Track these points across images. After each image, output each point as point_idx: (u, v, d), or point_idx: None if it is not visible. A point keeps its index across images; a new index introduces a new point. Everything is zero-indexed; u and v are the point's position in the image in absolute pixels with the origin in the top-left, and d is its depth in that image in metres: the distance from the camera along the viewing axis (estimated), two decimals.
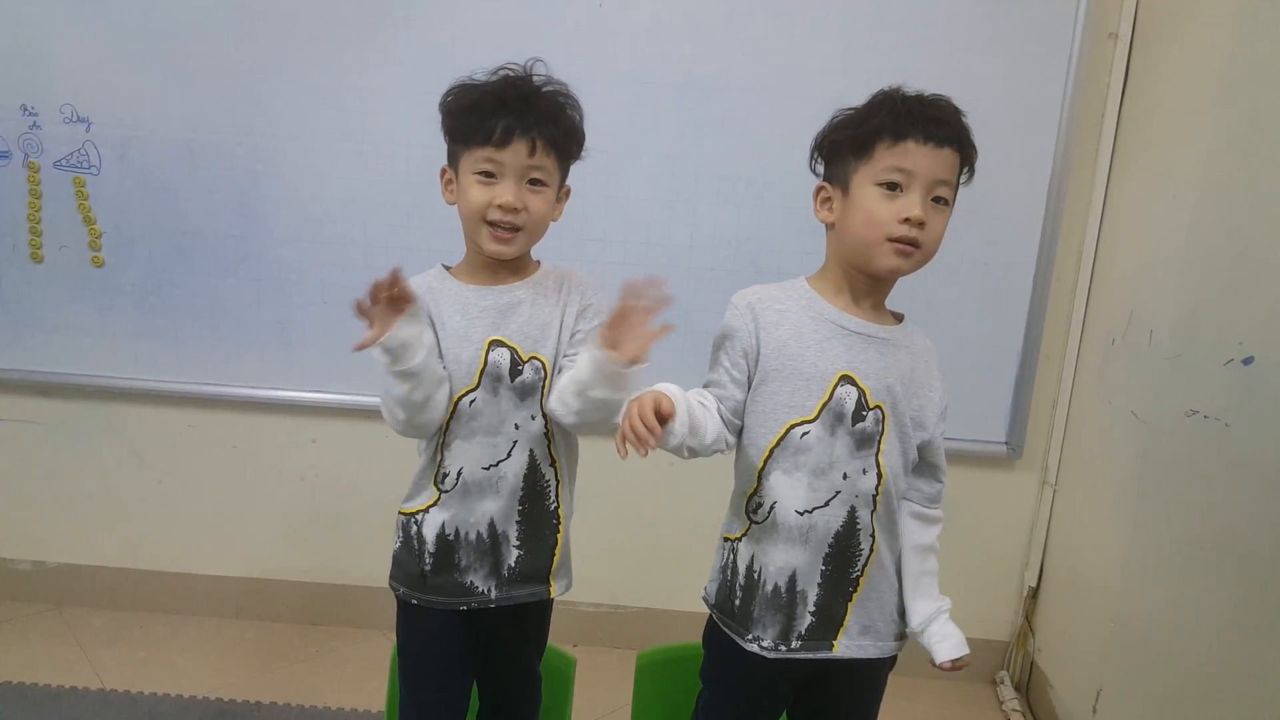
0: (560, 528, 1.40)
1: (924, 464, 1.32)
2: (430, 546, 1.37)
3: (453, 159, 1.34)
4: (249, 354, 2.26)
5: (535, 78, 1.33)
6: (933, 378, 1.30)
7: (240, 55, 2.10)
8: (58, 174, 2.17)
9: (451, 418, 1.34)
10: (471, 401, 1.33)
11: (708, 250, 2.14)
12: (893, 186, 1.19)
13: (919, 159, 1.18)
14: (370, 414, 2.19)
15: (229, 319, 2.24)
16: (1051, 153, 2.06)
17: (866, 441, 1.24)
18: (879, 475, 1.25)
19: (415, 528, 1.38)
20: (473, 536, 1.36)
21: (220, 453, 2.38)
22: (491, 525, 1.36)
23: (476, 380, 1.33)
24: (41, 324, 2.26)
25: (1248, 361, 1.55)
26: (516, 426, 1.34)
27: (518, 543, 1.38)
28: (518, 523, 1.37)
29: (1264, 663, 1.45)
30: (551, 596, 1.43)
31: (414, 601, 1.40)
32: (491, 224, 1.29)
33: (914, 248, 1.19)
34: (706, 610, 1.39)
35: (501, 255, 1.32)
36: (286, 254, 2.19)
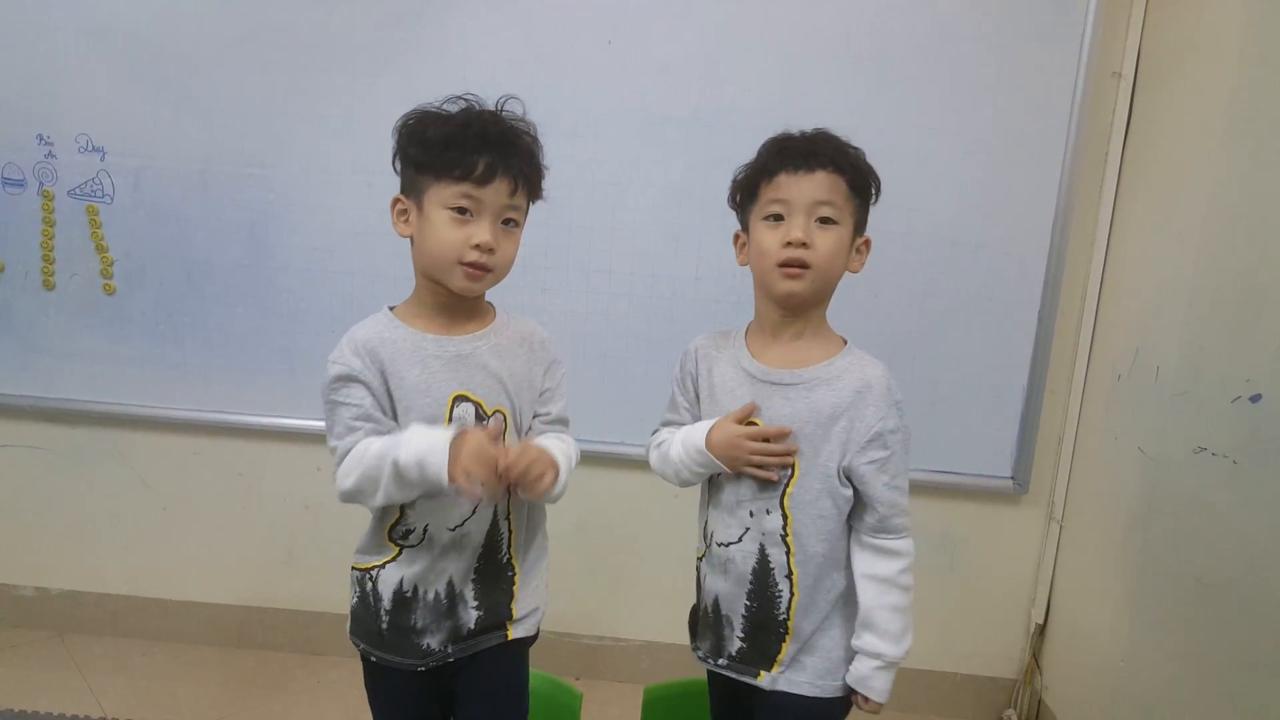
0: (515, 578, 1.37)
1: (856, 492, 1.32)
2: (386, 604, 1.32)
3: (413, 190, 1.27)
4: (256, 382, 2.27)
5: (506, 114, 1.29)
6: (862, 408, 1.28)
7: (252, 87, 2.13)
8: (71, 202, 2.20)
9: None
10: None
11: (712, 283, 2.15)
12: (777, 218, 1.28)
13: (792, 188, 1.27)
14: None
15: (237, 347, 2.26)
16: (1056, 189, 2.07)
17: (770, 484, 1.30)
18: (784, 516, 1.30)
19: (370, 584, 1.34)
20: (430, 596, 1.31)
21: (225, 480, 2.38)
22: (450, 585, 1.32)
23: None
24: (51, 350, 2.28)
25: (1255, 399, 1.55)
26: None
27: (475, 603, 1.33)
28: (474, 580, 1.33)
29: (1274, 702, 1.43)
30: (510, 637, 1.37)
31: (373, 659, 1.36)
32: (466, 264, 1.24)
33: (803, 268, 1.26)
34: None
35: (470, 293, 1.27)
36: (295, 284, 2.21)
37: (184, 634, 2.46)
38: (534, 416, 1.38)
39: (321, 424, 2.22)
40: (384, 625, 1.33)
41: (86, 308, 2.25)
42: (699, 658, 1.42)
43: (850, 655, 1.33)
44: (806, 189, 1.26)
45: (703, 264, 2.15)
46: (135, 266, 2.23)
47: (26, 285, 2.25)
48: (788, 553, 1.30)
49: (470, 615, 1.33)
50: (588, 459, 2.17)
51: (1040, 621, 2.31)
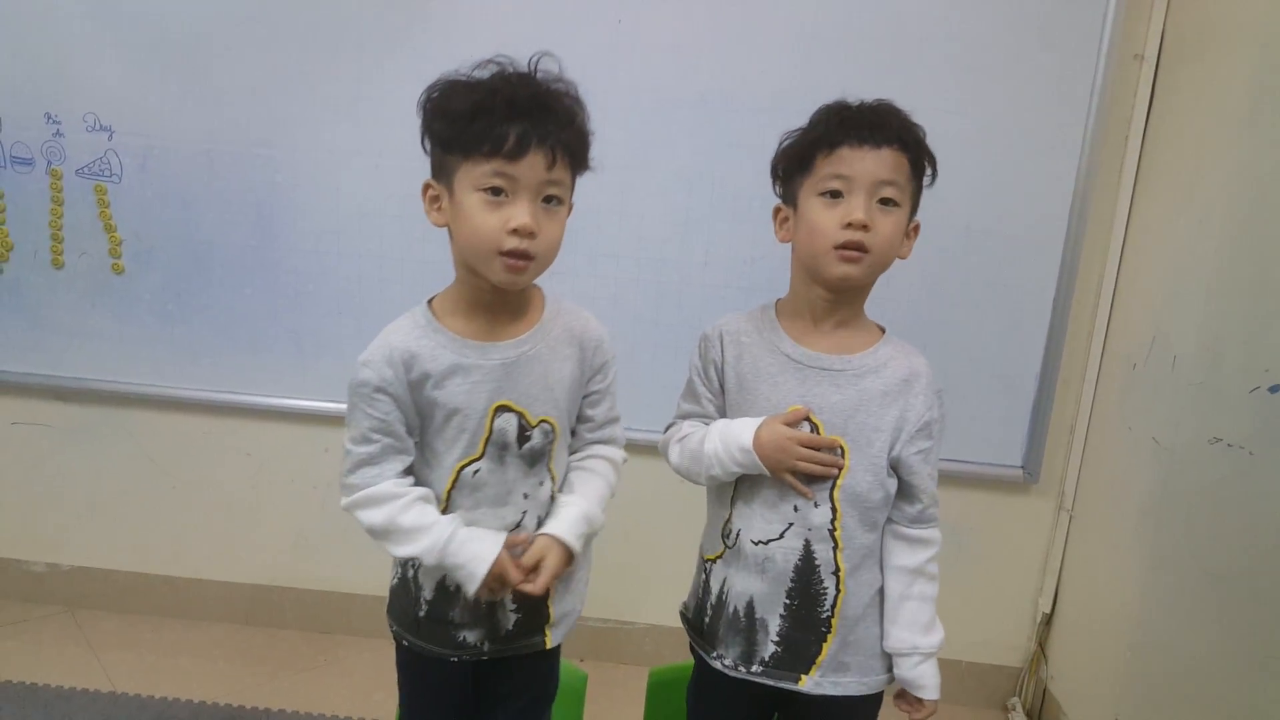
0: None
1: (900, 483, 1.28)
2: (427, 594, 1.28)
3: (443, 172, 1.15)
4: (264, 363, 2.27)
5: (541, 74, 1.15)
6: (910, 397, 1.25)
7: (259, 68, 2.11)
8: (80, 181, 2.19)
9: (453, 486, 1.22)
10: (475, 471, 1.21)
11: (721, 268, 2.13)
12: (835, 195, 1.19)
13: (856, 163, 1.18)
14: None
15: (245, 328, 2.25)
16: (1074, 174, 2.04)
17: (820, 475, 1.23)
18: (833, 509, 1.23)
19: (413, 571, 1.29)
20: (471, 599, 1.28)
21: (234, 460, 2.39)
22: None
23: (481, 449, 1.21)
24: (61, 329, 2.28)
25: (1274, 389, 1.52)
26: (525, 496, 1.25)
27: (514, 607, 1.29)
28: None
29: None
30: (548, 646, 1.32)
31: (405, 643, 1.32)
32: (506, 253, 1.11)
33: (861, 252, 1.18)
34: None
35: (514, 286, 1.17)
36: (303, 265, 2.20)
37: (193, 611, 2.47)
38: (579, 421, 1.31)
39: (329, 405, 2.27)
40: (421, 613, 1.29)
41: (95, 287, 2.25)
42: (722, 667, 1.31)
43: (883, 650, 1.29)
44: (871, 166, 1.17)
45: (712, 249, 2.13)
46: (144, 246, 2.22)
47: (36, 264, 2.25)
48: (835, 548, 1.24)
49: (509, 618, 1.29)
50: None
51: (1047, 611, 2.29)
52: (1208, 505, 1.68)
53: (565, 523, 1.25)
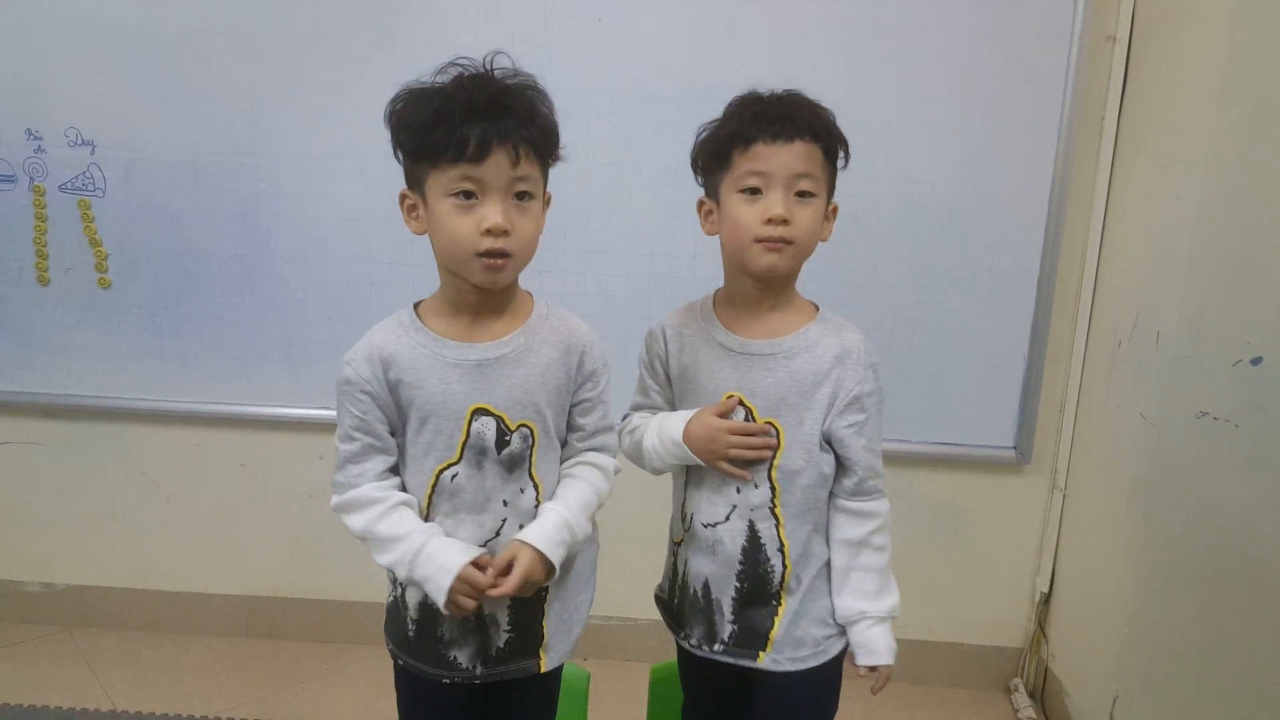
0: (547, 595, 1.28)
1: (836, 456, 1.31)
2: (413, 613, 1.27)
3: (415, 181, 1.17)
4: (256, 372, 2.27)
5: (498, 71, 1.16)
6: (841, 373, 1.27)
7: (240, 76, 2.12)
8: (63, 197, 2.18)
9: (433, 490, 1.22)
10: (453, 476, 1.21)
11: (711, 261, 2.09)
12: (754, 191, 1.23)
13: (770, 159, 1.21)
14: None
15: (235, 338, 2.25)
16: (1052, 156, 2.06)
17: (753, 459, 1.28)
18: (771, 488, 1.28)
19: (400, 588, 1.29)
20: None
21: (228, 471, 2.38)
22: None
23: (458, 454, 1.20)
24: (49, 346, 2.28)
25: (1256, 361, 1.54)
26: (505, 503, 1.23)
27: (508, 627, 1.26)
28: (509, 606, 1.26)
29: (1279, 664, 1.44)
30: (541, 670, 1.30)
31: (400, 662, 1.32)
32: (483, 254, 1.13)
33: (785, 243, 1.23)
34: None
35: (495, 285, 1.18)
36: (291, 272, 2.20)
37: (192, 625, 2.47)
38: (570, 430, 1.31)
39: (322, 413, 2.27)
40: (411, 632, 1.28)
41: (82, 302, 2.24)
42: (689, 647, 1.37)
43: (833, 618, 1.32)
44: (786, 160, 1.21)
45: (700, 241, 2.09)
46: (130, 260, 2.22)
47: (21, 281, 2.24)
48: (777, 524, 1.29)
49: (501, 636, 1.27)
50: None
51: (1045, 590, 2.31)
52: (1198, 479, 1.70)
53: (541, 529, 1.22)
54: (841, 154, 1.28)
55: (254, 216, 2.18)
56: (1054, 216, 2.08)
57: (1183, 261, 1.79)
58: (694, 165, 1.33)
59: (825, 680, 1.35)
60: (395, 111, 1.16)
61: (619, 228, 2.14)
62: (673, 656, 1.63)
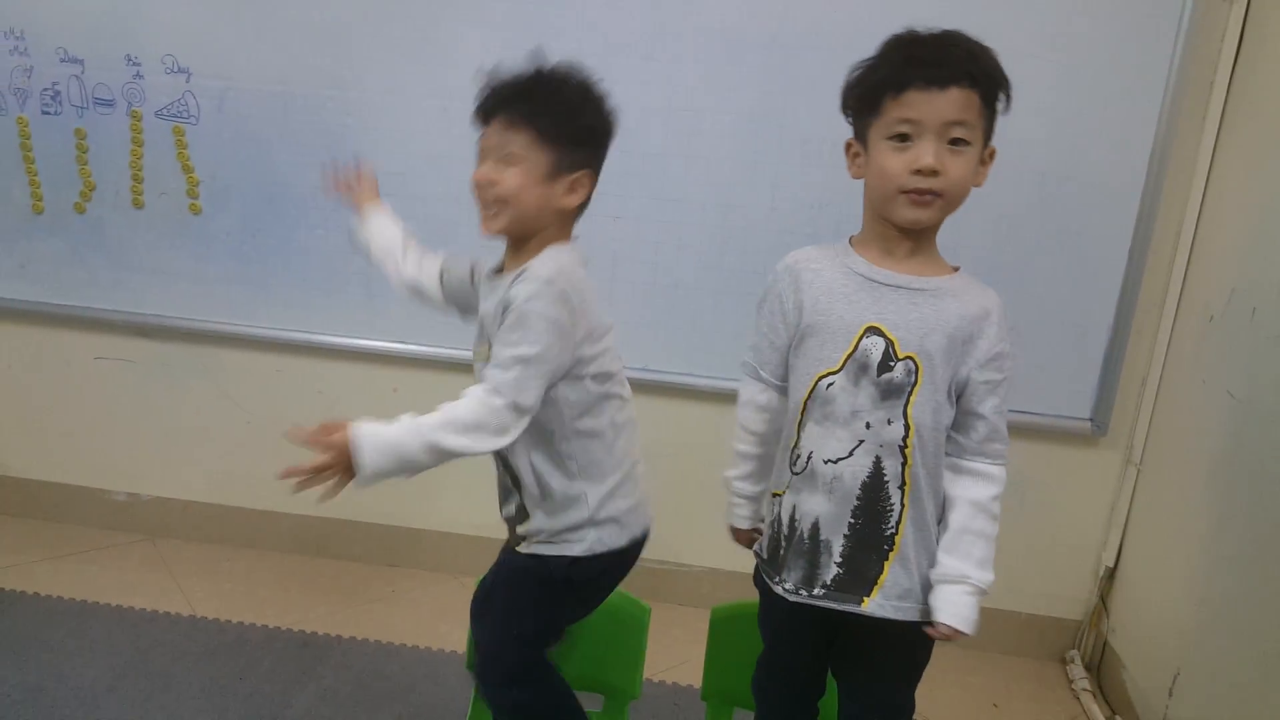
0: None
1: (960, 412, 1.27)
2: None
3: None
4: (335, 303, 2.32)
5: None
6: (985, 326, 1.24)
7: (331, 9, 2.13)
8: (159, 123, 2.24)
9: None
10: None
11: (788, 214, 2.11)
12: (904, 138, 1.18)
13: (923, 107, 1.16)
14: (449, 365, 2.24)
15: (317, 269, 2.30)
16: (1155, 118, 1.97)
17: (894, 392, 1.23)
18: (906, 426, 1.23)
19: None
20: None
21: (306, 397, 2.45)
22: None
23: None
24: (142, 267, 2.36)
25: None
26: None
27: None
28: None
29: None
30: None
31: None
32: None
33: (933, 196, 1.18)
34: None
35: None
36: None
37: (266, 542, 2.57)
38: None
39: (397, 346, 2.32)
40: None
41: (174, 227, 2.32)
42: (783, 591, 1.31)
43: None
44: (940, 108, 1.15)
45: (779, 193, 2.11)
46: (220, 187, 2.28)
47: (118, 204, 2.32)
48: (904, 464, 1.23)
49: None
50: (654, 389, 2.18)
51: (1110, 565, 2.27)
52: None
53: (383, 425, 1.23)
54: (1003, 97, 1.22)
55: (339, 150, 2.19)
56: (1151, 183, 2.00)
57: None
58: (844, 106, 1.28)
59: (923, 644, 1.33)
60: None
61: (696, 176, 2.12)
62: (730, 600, 1.65)
